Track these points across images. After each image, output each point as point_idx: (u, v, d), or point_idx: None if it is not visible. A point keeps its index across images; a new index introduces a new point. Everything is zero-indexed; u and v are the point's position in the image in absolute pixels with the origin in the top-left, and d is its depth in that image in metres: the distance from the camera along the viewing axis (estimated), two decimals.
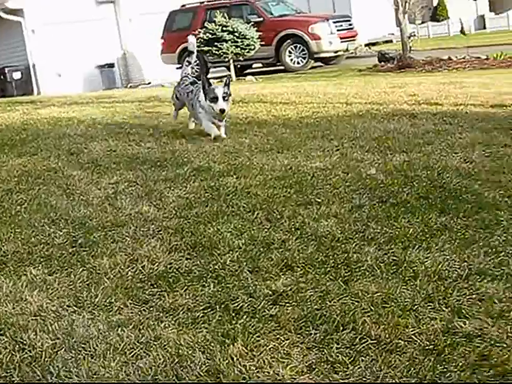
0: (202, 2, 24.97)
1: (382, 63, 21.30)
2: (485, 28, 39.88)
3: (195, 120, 8.21)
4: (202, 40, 20.06)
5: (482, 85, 11.50)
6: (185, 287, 3.60)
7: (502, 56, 18.83)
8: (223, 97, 7.35)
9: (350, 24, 24.37)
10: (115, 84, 26.88)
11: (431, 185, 5.09)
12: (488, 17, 41.49)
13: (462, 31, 26.07)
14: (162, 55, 24.77)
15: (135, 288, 3.65)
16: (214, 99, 7.33)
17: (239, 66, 22.28)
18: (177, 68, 23.98)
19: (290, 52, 22.86)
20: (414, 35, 28.66)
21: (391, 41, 32.97)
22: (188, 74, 8.48)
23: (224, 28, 19.93)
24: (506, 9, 39.53)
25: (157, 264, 3.96)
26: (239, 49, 20.25)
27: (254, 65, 24.66)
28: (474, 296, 3.26)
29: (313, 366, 2.74)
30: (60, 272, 3.93)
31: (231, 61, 20.54)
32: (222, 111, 7.32)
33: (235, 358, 2.82)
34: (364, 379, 2.62)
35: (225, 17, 20.23)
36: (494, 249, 3.81)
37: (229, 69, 21.18)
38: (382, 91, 11.02)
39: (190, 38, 9.00)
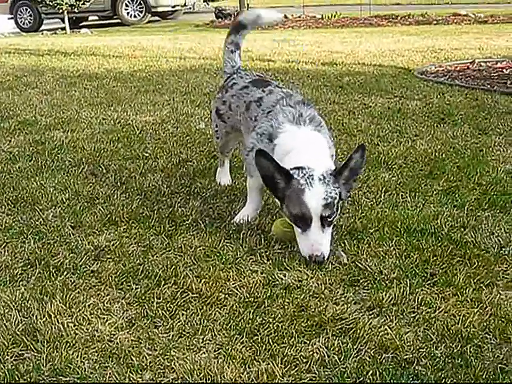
0: None
1: (219, 19, 21.36)
2: None
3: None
4: None
5: (315, 43, 11.76)
6: (4, 244, 3.48)
7: (336, 16, 19.29)
8: (324, 218, 3.14)
9: None
10: None
11: None
12: None
13: None
14: None
15: None
16: (299, 219, 3.17)
17: (74, 18, 21.64)
18: (9, 18, 23.08)
19: (127, 5, 22.40)
20: None
21: None
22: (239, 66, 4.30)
23: None
24: None
25: None
26: (73, 0, 19.70)
27: (90, 18, 24.07)
28: (295, 248, 3.31)
29: (133, 321, 2.71)
30: None
31: (66, 12, 19.93)
32: (318, 260, 3.11)
33: (53, 316, 2.74)
34: (183, 333, 2.61)
35: None
36: None
37: (63, 20, 20.54)
38: (216, 47, 11.03)
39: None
